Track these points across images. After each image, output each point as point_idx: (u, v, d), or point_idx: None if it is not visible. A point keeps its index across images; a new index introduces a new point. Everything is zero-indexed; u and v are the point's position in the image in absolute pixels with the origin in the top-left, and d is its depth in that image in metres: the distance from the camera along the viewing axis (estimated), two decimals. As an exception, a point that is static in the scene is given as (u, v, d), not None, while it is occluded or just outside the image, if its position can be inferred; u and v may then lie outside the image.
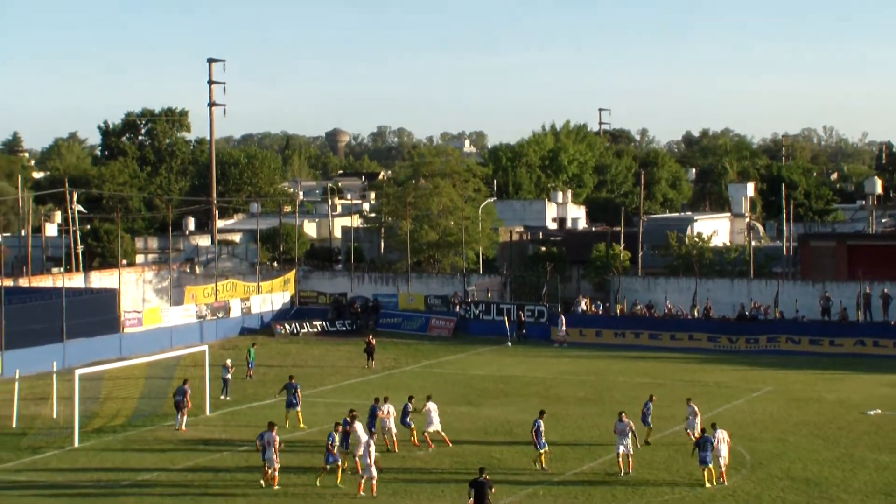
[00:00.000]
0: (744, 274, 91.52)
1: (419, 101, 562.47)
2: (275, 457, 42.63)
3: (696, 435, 46.42)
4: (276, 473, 42.64)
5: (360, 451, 42.99)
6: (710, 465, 43.27)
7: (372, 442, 43.00)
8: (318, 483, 43.03)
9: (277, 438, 42.91)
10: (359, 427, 45.27)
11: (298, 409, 53.87)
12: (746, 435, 51.71)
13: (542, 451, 45.48)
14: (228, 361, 63.31)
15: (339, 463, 43.40)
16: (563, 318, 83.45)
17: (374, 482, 41.58)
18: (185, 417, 53.42)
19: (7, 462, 47.46)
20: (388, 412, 49.84)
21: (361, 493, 41.35)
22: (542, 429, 45.38)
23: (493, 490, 37.50)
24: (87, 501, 41.19)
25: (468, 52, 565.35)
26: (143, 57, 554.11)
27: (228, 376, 62.11)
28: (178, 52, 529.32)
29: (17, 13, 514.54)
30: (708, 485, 42.94)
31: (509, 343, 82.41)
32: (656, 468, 45.90)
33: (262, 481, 42.66)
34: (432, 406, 50.01)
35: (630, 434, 44.56)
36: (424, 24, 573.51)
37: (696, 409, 49.04)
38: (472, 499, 36.79)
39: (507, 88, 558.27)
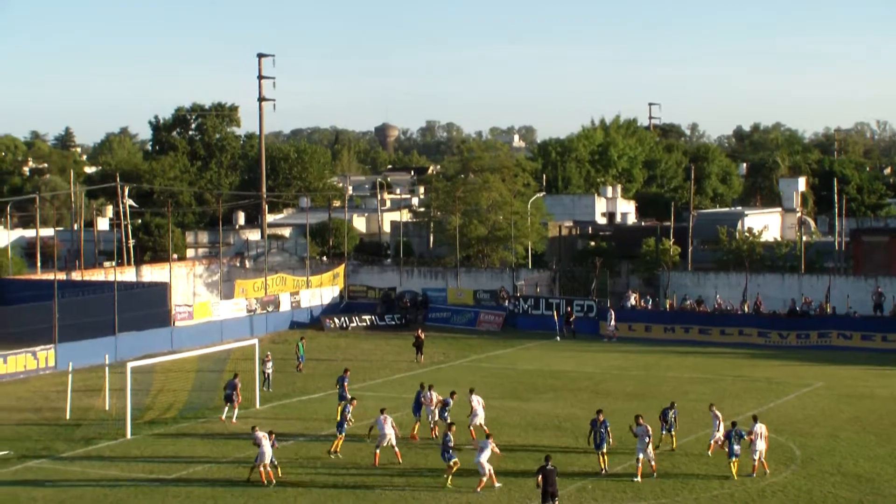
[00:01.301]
0: (795, 269, 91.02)
1: (468, 96, 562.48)
2: (265, 451, 42.61)
3: (719, 441, 46.16)
4: (268, 470, 42.69)
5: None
6: (738, 458, 43.27)
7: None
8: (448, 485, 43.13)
9: (264, 435, 43.02)
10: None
11: (349, 401, 53.94)
12: (797, 430, 51.47)
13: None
14: (269, 354, 63.56)
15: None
16: (613, 312, 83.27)
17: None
18: (235, 410, 53.74)
19: (61, 453, 47.90)
20: (433, 399, 50.26)
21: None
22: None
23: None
24: (139, 492, 41.50)
25: (518, 47, 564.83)
26: (194, 52, 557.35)
27: (269, 370, 62.36)
28: (228, 48, 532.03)
29: (68, 10, 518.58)
30: (736, 477, 42.96)
31: (558, 338, 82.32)
32: (705, 463, 45.76)
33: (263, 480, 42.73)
34: (476, 399, 49.96)
35: (647, 438, 43.70)
36: (474, 17, 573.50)
37: (719, 415, 47.98)
38: (540, 486, 37.47)
39: (556, 83, 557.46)
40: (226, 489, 41.72)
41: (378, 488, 41.97)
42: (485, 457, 41.85)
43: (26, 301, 74.45)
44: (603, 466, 43.94)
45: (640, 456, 43.31)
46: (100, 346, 69.48)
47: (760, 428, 43.83)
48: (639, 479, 42.67)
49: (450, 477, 42.36)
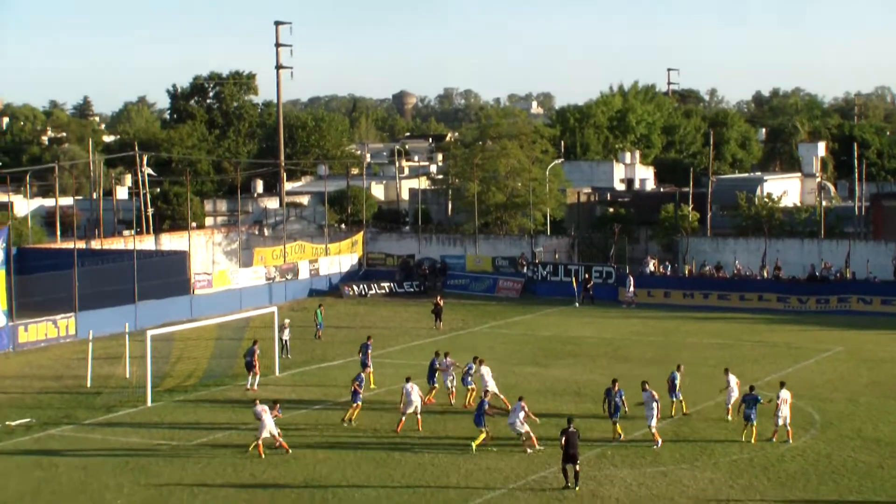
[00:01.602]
0: (814, 234, 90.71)
1: (486, 63, 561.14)
2: (265, 425, 42.05)
3: (731, 407, 46.37)
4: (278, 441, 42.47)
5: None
6: (754, 423, 43.39)
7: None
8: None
9: (264, 408, 42.46)
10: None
11: (370, 369, 54.06)
12: (816, 395, 51.45)
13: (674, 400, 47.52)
14: (286, 321, 63.54)
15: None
16: (632, 279, 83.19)
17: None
18: (256, 378, 53.87)
19: (82, 420, 48.12)
20: (449, 365, 50.44)
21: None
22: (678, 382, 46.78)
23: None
24: (159, 458, 41.68)
25: (536, 13, 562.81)
26: (211, 21, 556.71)
27: (286, 337, 62.42)
28: (245, 16, 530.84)
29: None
30: (754, 441, 43.13)
31: (577, 304, 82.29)
32: (725, 428, 45.76)
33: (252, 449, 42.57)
34: (485, 370, 49.82)
35: (655, 404, 43.44)
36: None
37: (734, 379, 47.85)
38: (563, 448, 37.81)
39: (574, 49, 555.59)
40: (246, 456, 41.86)
41: (398, 454, 42.08)
42: (519, 419, 42.25)
43: (46, 270, 74.61)
44: (617, 434, 43.87)
45: (652, 423, 43.12)
46: (119, 314, 69.76)
47: (786, 394, 43.75)
48: (658, 445, 42.64)
49: (477, 442, 42.55)
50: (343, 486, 38.26)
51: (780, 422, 43.40)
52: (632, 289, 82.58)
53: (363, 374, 49.39)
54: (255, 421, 42.58)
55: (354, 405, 47.08)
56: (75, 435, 45.77)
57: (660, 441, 42.78)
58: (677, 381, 48.25)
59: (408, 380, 46.49)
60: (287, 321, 63.57)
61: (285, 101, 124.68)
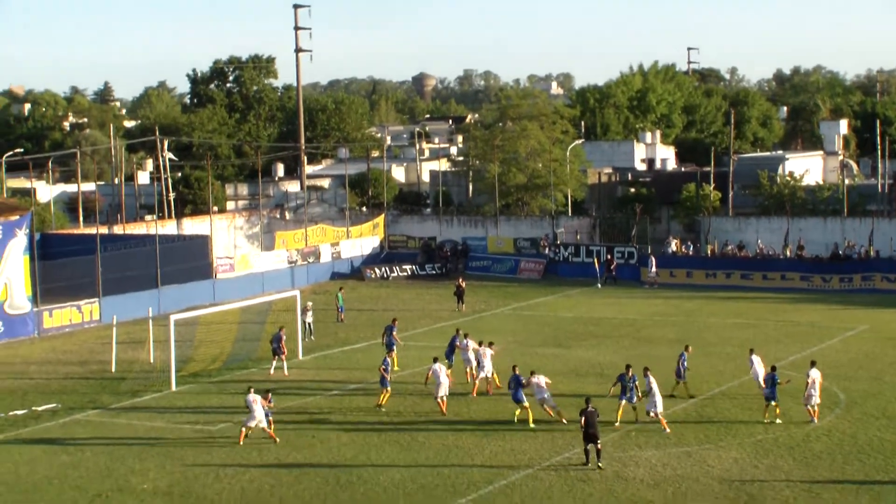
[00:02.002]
0: (837, 213, 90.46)
1: (505, 44, 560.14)
2: (259, 413, 41.49)
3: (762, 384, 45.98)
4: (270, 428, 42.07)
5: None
6: (775, 403, 43.33)
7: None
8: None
9: (255, 398, 41.90)
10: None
11: (395, 352, 54.07)
12: (841, 374, 51.33)
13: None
14: (308, 304, 63.50)
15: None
16: (654, 259, 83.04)
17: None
18: (284, 362, 53.89)
19: (108, 405, 48.32)
20: (469, 347, 50.49)
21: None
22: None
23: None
24: (184, 442, 41.82)
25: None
26: (230, 4, 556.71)
27: (309, 319, 62.48)
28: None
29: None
30: (766, 420, 43.20)
31: (599, 285, 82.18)
32: (749, 408, 45.71)
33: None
34: (487, 351, 49.91)
35: (653, 390, 42.97)
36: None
37: (758, 360, 47.50)
38: (583, 428, 38.08)
39: (594, 29, 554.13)
40: (270, 439, 41.95)
41: (422, 437, 42.15)
42: (547, 394, 43.37)
43: (70, 255, 74.84)
44: (631, 416, 43.74)
45: (658, 410, 42.74)
46: (143, 299, 69.93)
47: (816, 374, 43.59)
48: (666, 432, 42.44)
49: (517, 415, 43.29)
50: (368, 467, 38.36)
51: (813, 401, 43.24)
52: (654, 269, 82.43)
53: (389, 358, 49.40)
54: (281, 401, 42.63)
55: (384, 390, 47.11)
56: (101, 420, 45.97)
57: (667, 429, 42.62)
58: (685, 363, 48.26)
59: (435, 360, 46.61)
60: (310, 304, 63.66)
61: (305, 85, 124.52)
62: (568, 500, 34.86)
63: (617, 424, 43.04)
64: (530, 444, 40.82)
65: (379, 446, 41.05)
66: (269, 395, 43.01)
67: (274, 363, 54.07)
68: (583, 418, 38.17)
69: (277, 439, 41.68)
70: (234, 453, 40.31)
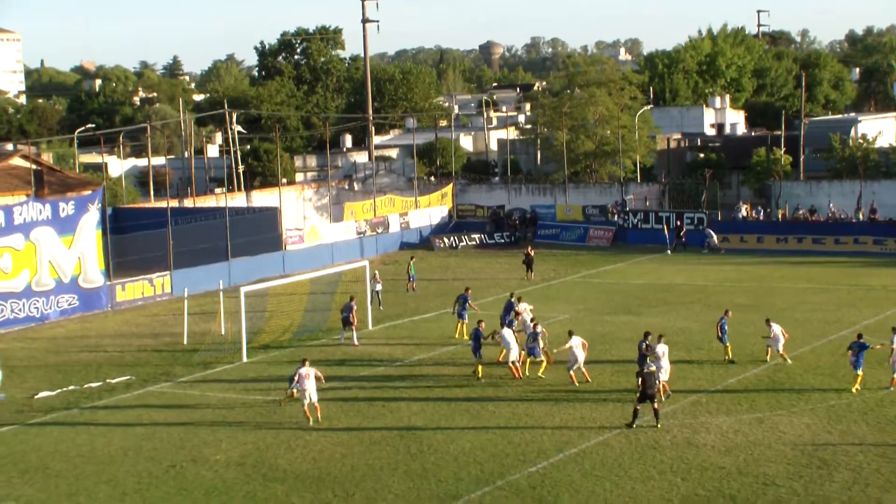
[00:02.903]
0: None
1: (573, 11, 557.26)
2: (305, 388, 40.73)
3: (781, 352, 46.50)
4: (307, 406, 41.05)
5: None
6: (860, 372, 42.66)
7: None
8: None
9: (313, 372, 41.38)
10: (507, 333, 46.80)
11: (465, 321, 54.15)
12: (914, 338, 50.73)
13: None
14: (376, 274, 63.59)
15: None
16: (712, 232, 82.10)
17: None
18: (354, 332, 54.06)
19: (180, 377, 48.75)
20: (525, 310, 51.13)
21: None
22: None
23: (664, 387, 39.93)
24: (256, 413, 42.13)
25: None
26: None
27: (378, 288, 62.55)
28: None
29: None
30: (854, 390, 42.49)
31: (669, 251, 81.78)
32: (821, 374, 45.41)
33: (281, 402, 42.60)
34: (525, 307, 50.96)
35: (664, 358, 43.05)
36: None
37: (779, 329, 47.29)
38: (640, 388, 38.53)
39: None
40: (340, 409, 42.20)
41: (491, 406, 42.20)
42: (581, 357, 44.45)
43: (141, 229, 75.56)
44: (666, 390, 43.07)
45: (665, 378, 42.38)
46: (213, 271, 70.49)
47: None
48: (668, 396, 42.28)
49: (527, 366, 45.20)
50: (438, 436, 38.47)
51: None
52: (714, 239, 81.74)
53: (480, 329, 47.50)
54: (351, 371, 42.71)
55: (477, 360, 46.58)
56: (174, 391, 46.42)
57: (669, 392, 42.54)
58: (726, 327, 48.23)
59: (571, 334, 45.93)
60: (376, 273, 63.69)
61: (372, 55, 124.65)
62: (638, 466, 34.81)
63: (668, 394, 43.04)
64: (600, 412, 40.78)
65: (449, 415, 41.16)
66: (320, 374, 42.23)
67: (344, 333, 54.30)
68: (640, 378, 38.56)
69: (319, 419, 40.98)
70: (305, 423, 40.51)
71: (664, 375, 42.40)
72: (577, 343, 44.55)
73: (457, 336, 53.61)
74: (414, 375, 47.51)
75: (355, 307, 54.37)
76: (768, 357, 47.31)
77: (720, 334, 48.35)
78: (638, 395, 38.73)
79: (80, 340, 57.82)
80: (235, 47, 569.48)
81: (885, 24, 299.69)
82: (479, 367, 46.63)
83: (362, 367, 49.27)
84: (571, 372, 44.49)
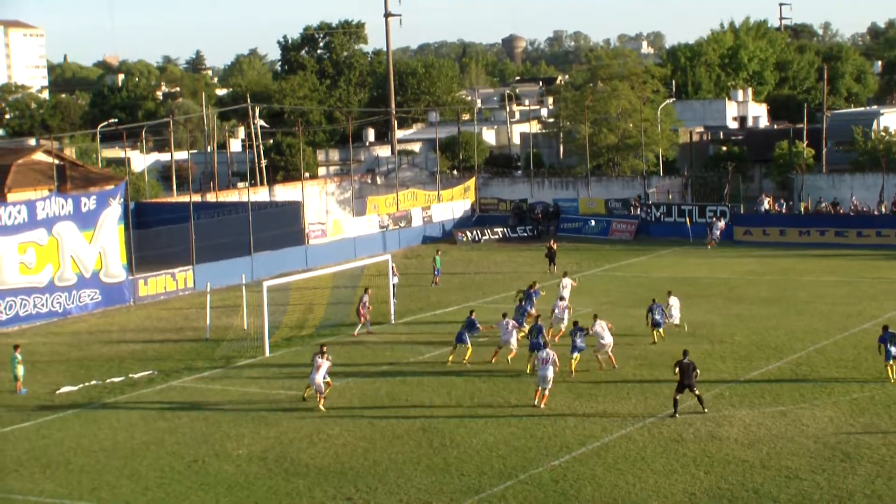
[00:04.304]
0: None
1: (595, 4, 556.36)
2: (318, 379, 41.65)
3: (677, 324, 51.22)
4: (321, 397, 41.96)
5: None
6: (893, 362, 42.62)
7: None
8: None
9: (329, 363, 42.24)
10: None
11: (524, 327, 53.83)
12: (938, 331, 50.53)
13: None
14: (393, 267, 63.19)
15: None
16: (720, 223, 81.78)
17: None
18: (367, 325, 54.13)
19: (203, 371, 48.85)
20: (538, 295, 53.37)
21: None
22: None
23: (698, 373, 39.74)
24: (278, 408, 42.17)
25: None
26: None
27: (395, 280, 62.16)
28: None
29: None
30: (893, 379, 42.42)
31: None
32: (844, 366, 45.30)
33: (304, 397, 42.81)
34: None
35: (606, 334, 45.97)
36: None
37: (676, 301, 52.32)
38: (677, 378, 39.15)
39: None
40: (362, 402, 42.25)
41: (514, 398, 42.17)
42: (608, 339, 46.00)
43: (164, 224, 75.63)
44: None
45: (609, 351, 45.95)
46: (236, 265, 70.54)
47: None
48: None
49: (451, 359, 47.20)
50: (461, 430, 38.46)
51: None
52: (717, 232, 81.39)
53: (540, 323, 47.83)
54: (372, 364, 42.74)
55: (532, 354, 46.07)
56: (196, 386, 46.50)
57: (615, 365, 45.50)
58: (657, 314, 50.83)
59: (596, 317, 47.21)
60: (394, 267, 62.81)
61: (395, 49, 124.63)
62: (661, 460, 34.77)
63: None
64: (623, 405, 40.75)
65: (472, 409, 41.16)
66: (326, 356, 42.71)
67: (358, 326, 54.41)
68: (677, 368, 38.99)
69: (323, 409, 41.59)
70: (327, 418, 40.59)
71: (609, 348, 45.84)
72: (601, 326, 45.74)
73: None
74: (436, 370, 47.49)
75: (366, 300, 54.38)
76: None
77: (656, 319, 50.38)
78: (676, 384, 39.19)
79: (103, 335, 57.99)
80: (258, 42, 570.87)
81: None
82: (468, 352, 47.98)
83: (384, 362, 49.28)
84: (574, 356, 45.26)
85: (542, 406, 40.72)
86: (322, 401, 41.85)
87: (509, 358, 47.46)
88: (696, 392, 39.18)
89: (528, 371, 45.39)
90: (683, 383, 38.86)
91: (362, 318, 54.46)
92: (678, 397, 38.99)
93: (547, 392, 41.00)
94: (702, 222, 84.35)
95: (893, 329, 42.71)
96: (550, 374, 41.06)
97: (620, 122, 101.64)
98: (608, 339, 45.74)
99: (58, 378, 48.42)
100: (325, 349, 43.04)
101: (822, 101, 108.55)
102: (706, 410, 38.98)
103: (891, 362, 42.72)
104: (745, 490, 32.18)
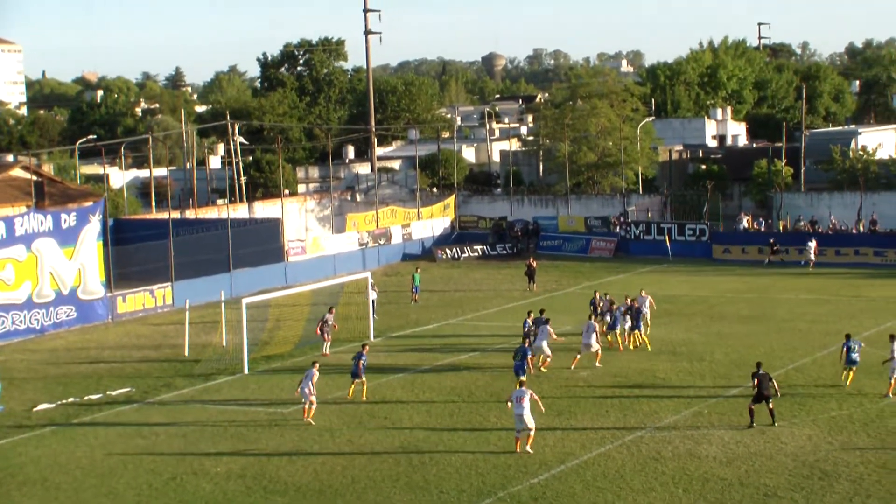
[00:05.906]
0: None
1: (575, 22, 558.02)
2: (307, 390, 41.98)
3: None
4: (312, 407, 42.23)
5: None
6: (853, 369, 44.24)
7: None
8: None
9: (316, 375, 42.50)
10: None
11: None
12: (916, 350, 50.67)
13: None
14: (372, 283, 62.75)
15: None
16: (810, 243, 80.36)
17: None
18: (328, 343, 54.03)
19: (181, 388, 48.69)
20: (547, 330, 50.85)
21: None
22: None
23: (775, 385, 40.31)
24: (257, 426, 42.04)
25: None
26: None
27: (374, 297, 61.80)
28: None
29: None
30: (846, 384, 43.81)
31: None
32: (822, 384, 45.35)
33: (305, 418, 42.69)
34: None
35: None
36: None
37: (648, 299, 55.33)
38: (755, 389, 39.74)
39: (663, 5, 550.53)
40: (342, 420, 42.17)
41: (493, 418, 42.10)
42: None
43: (142, 241, 75.47)
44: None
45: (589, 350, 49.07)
46: (215, 282, 70.42)
47: None
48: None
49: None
50: (440, 447, 38.40)
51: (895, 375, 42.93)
52: (811, 255, 79.82)
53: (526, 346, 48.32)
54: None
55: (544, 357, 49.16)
56: (174, 403, 46.32)
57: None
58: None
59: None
60: (371, 282, 62.34)
61: (375, 67, 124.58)
62: (640, 478, 34.75)
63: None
64: (602, 423, 40.74)
65: (451, 427, 41.09)
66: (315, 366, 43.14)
67: (326, 345, 54.25)
68: (755, 380, 39.61)
69: (312, 422, 41.88)
70: (306, 436, 40.51)
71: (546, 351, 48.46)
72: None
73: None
74: (416, 387, 47.42)
75: (330, 318, 54.19)
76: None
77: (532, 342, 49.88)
78: (754, 395, 39.77)
79: (80, 352, 57.76)
80: (238, 59, 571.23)
81: (885, 36, 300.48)
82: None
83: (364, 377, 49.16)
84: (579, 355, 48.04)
85: (529, 450, 37.55)
86: (309, 413, 41.98)
87: (597, 362, 49.21)
88: (770, 406, 39.50)
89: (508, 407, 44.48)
90: (762, 394, 39.43)
91: (326, 337, 54.20)
92: (754, 407, 39.54)
93: (531, 434, 37.78)
94: (681, 240, 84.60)
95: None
96: (527, 413, 37.52)
97: (600, 140, 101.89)
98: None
99: (35, 395, 48.20)
100: (316, 364, 43.36)
101: (801, 120, 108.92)
102: (776, 424, 39.30)
103: (851, 367, 44.01)
104: (723, 508, 32.21)
